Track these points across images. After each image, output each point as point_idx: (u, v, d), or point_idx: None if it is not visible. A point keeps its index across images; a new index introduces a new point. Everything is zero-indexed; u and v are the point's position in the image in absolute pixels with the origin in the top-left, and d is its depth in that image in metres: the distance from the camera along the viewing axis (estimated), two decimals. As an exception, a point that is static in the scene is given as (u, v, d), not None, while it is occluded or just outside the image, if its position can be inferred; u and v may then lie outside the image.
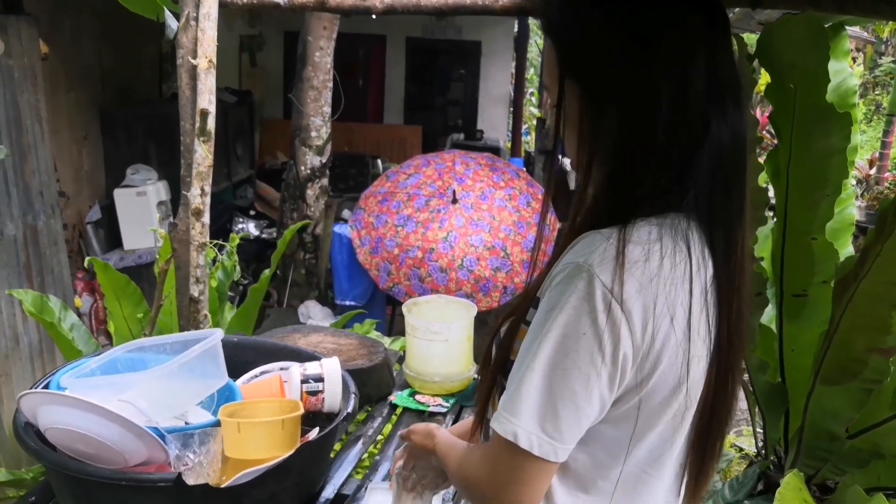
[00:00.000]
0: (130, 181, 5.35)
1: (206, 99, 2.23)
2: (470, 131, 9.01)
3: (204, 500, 1.43)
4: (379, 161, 7.91)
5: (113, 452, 1.48)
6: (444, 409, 2.11)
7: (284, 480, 1.53)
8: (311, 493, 1.67)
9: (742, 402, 4.49)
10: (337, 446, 1.92)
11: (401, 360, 2.43)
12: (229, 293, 3.72)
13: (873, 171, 8.19)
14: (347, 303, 4.93)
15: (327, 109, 5.05)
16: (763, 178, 2.10)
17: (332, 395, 1.76)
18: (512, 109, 10.37)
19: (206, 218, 2.33)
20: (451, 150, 5.71)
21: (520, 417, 0.93)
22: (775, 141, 2.23)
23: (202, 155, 2.26)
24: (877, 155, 8.40)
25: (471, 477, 1.04)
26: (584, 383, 0.92)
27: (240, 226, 5.95)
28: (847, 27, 2.79)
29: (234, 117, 6.91)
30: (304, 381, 1.76)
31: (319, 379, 1.77)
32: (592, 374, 0.91)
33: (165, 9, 2.44)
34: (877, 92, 15.28)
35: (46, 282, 4.05)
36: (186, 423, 1.64)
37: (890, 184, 7.77)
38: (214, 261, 2.98)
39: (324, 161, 5.10)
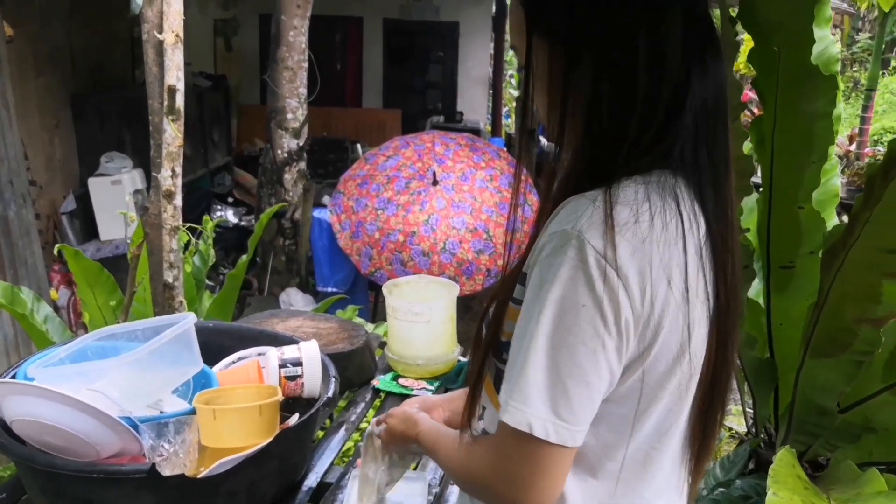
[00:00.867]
0: (105, 169, 5.26)
1: (175, 76, 2.16)
2: (450, 114, 8.95)
3: (180, 491, 1.37)
4: (358, 146, 7.83)
5: (84, 445, 1.42)
6: (428, 393, 2.06)
7: (264, 468, 1.48)
8: (293, 481, 1.62)
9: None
10: (319, 434, 1.87)
11: (383, 345, 2.38)
12: (208, 282, 3.65)
13: (853, 147, 8.22)
14: (329, 289, 4.87)
15: (303, 91, 4.96)
16: (747, 147, 2.06)
17: (312, 379, 1.71)
18: (491, 91, 10.31)
19: (178, 200, 2.26)
20: (431, 131, 5.64)
21: (530, 405, 0.87)
22: (759, 112, 2.19)
23: (171, 135, 2.19)
24: (856, 131, 8.44)
25: (479, 475, 0.97)
26: (591, 357, 0.86)
27: (218, 213, 5.87)
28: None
29: (209, 102, 6.81)
30: (282, 366, 1.71)
31: (298, 363, 1.71)
32: (598, 347, 0.86)
33: (130, -16, 2.35)
34: (854, 69, 15.36)
35: (20, 274, 3.96)
36: (161, 413, 1.58)
37: (870, 159, 7.79)
38: (187, 245, 2.90)
39: (301, 144, 5.02)
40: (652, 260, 0.87)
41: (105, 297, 2.66)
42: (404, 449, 1.26)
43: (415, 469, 1.65)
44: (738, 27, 2.05)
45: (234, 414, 1.47)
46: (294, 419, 1.53)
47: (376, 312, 5.08)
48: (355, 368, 2.08)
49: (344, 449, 1.82)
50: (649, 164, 0.91)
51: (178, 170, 2.27)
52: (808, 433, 2.19)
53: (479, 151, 4.87)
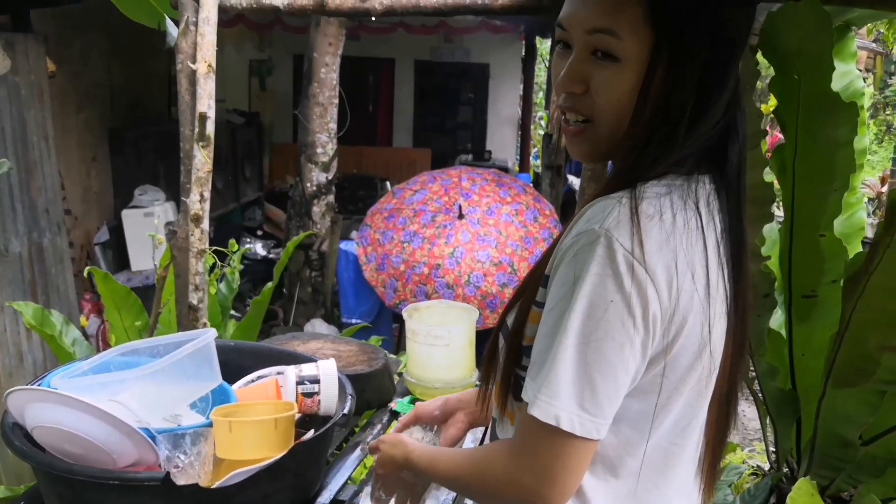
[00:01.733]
0: (138, 202, 5.37)
1: (206, 104, 2.23)
2: (479, 152, 9.02)
3: (194, 501, 1.38)
4: (388, 183, 7.93)
5: (101, 453, 1.44)
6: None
7: (278, 482, 1.49)
8: (307, 497, 1.62)
9: (754, 420, 4.42)
10: (337, 451, 1.88)
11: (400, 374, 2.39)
12: (234, 313, 3.69)
13: (885, 189, 8.13)
14: (354, 321, 4.89)
15: (333, 126, 5.06)
16: (768, 174, 2.07)
17: (329, 396, 1.72)
18: (520, 132, 10.39)
19: (206, 224, 2.31)
20: (458, 166, 5.69)
21: (559, 398, 0.89)
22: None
23: (201, 160, 2.25)
24: (888, 172, 8.36)
25: (499, 473, 0.97)
26: (618, 352, 0.89)
27: (247, 245, 5.94)
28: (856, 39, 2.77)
29: (242, 139, 6.95)
30: (299, 383, 1.72)
31: (315, 380, 1.73)
32: (626, 342, 0.89)
33: (166, 17, 2.44)
34: (888, 112, 15.24)
35: (51, 300, 4.05)
36: (179, 426, 1.60)
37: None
38: (213, 268, 2.95)
39: (329, 178, 5.10)
40: (677, 255, 0.90)
41: (132, 320, 2.71)
42: (395, 479, 1.22)
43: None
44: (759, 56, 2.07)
45: (250, 426, 1.49)
46: (310, 434, 1.55)
47: (399, 344, 5.09)
48: (374, 390, 2.09)
49: (359, 468, 1.83)
50: (674, 169, 0.96)
51: (207, 195, 2.32)
52: (830, 467, 2.15)
53: (505, 186, 4.91)
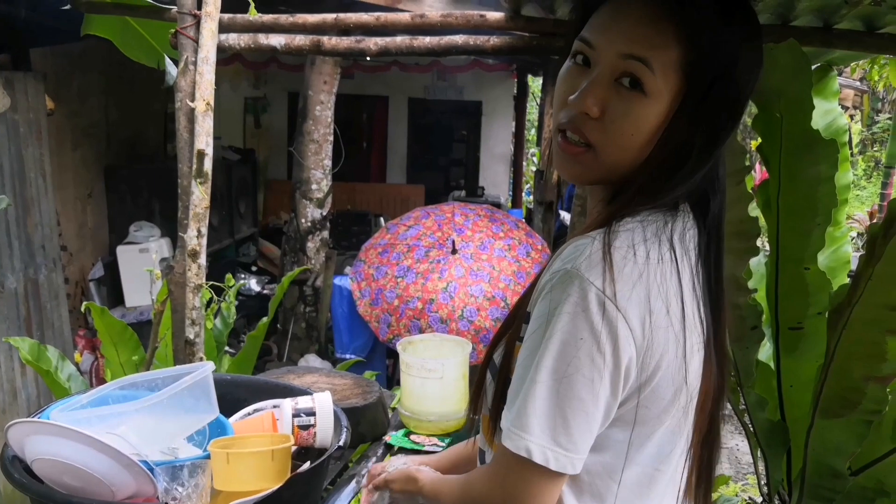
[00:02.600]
0: (133, 238, 5.40)
1: (204, 141, 2.28)
2: (472, 189, 9.10)
3: (191, 532, 1.40)
4: (382, 219, 7.97)
5: (100, 485, 1.46)
6: (440, 450, 2.08)
7: (274, 513, 1.50)
8: (302, 528, 1.64)
9: (748, 454, 4.43)
10: (330, 486, 1.89)
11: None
12: (229, 349, 3.71)
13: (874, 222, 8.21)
14: (348, 356, 4.90)
15: (328, 163, 5.12)
16: (753, 209, 2.12)
17: (324, 429, 1.74)
18: (513, 168, 10.49)
19: (203, 259, 2.34)
20: (451, 202, 5.75)
21: (530, 432, 0.92)
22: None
23: (199, 196, 2.29)
24: (876, 207, 8.46)
25: (478, 498, 1.02)
26: (589, 388, 0.91)
27: (241, 281, 5.97)
28: (840, 78, 2.85)
29: (237, 175, 7.00)
30: (295, 416, 1.75)
31: (311, 413, 1.75)
32: (596, 377, 0.91)
33: (166, 56, 2.50)
34: (875, 148, 15.44)
35: (46, 335, 4.06)
36: (176, 458, 1.62)
37: (891, 235, 7.76)
38: (209, 303, 2.98)
39: (324, 214, 5.15)
40: (650, 290, 0.93)
41: (128, 355, 2.73)
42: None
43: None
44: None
45: (247, 458, 1.51)
46: (306, 466, 1.57)
47: (393, 379, 5.09)
48: (368, 423, 2.11)
49: (353, 501, 1.84)
50: (642, 205, 0.98)
51: (204, 230, 2.36)
52: (821, 497, 2.17)
53: (497, 222, 4.96)
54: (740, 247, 2.07)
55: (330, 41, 2.46)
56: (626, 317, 0.90)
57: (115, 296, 5.39)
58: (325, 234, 5.23)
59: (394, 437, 2.13)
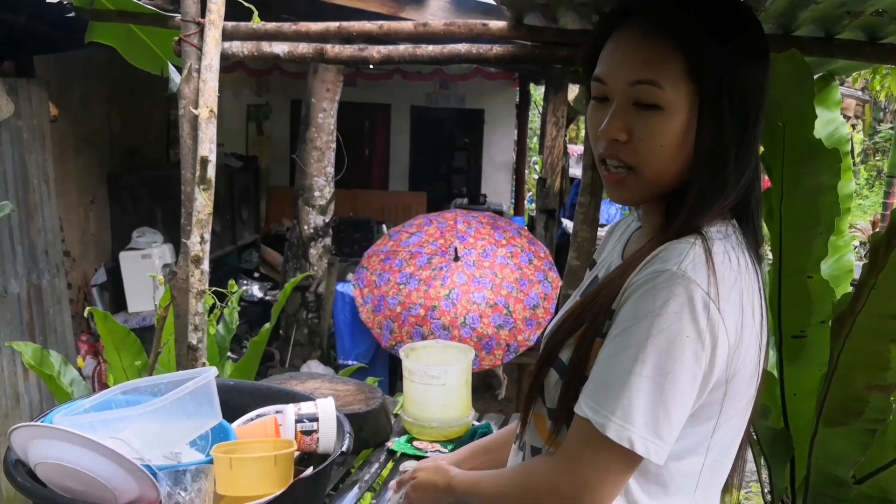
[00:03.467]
0: (136, 244, 5.40)
1: (207, 148, 2.28)
2: (474, 196, 9.11)
3: (193, 537, 1.40)
4: (384, 226, 7.98)
5: (103, 489, 1.46)
6: (442, 456, 2.08)
7: (276, 519, 1.50)
8: (305, 534, 1.63)
9: (750, 462, 4.41)
10: (333, 492, 1.89)
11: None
12: (231, 355, 3.71)
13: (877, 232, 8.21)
14: (350, 362, 4.90)
15: (330, 170, 5.13)
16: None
17: (327, 434, 1.74)
18: (515, 176, 10.50)
19: (206, 265, 2.35)
20: (454, 209, 5.76)
21: (634, 423, 0.96)
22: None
23: (202, 203, 2.30)
24: (879, 216, 8.46)
25: (544, 483, 1.04)
26: (691, 384, 0.97)
27: (244, 287, 5.97)
28: (841, 88, 2.85)
29: (239, 182, 7.02)
30: (298, 421, 1.75)
31: (314, 418, 1.75)
32: (697, 373, 0.97)
33: (169, 64, 2.51)
34: (877, 158, 15.45)
35: (49, 340, 4.06)
36: (179, 463, 1.62)
37: (893, 244, 7.76)
38: (212, 309, 2.98)
39: (327, 220, 5.16)
40: (742, 294, 0.99)
41: (131, 360, 2.73)
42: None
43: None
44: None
45: (250, 463, 1.51)
46: (308, 471, 1.57)
47: (395, 385, 5.09)
48: (371, 429, 2.11)
49: (356, 507, 1.84)
50: (722, 215, 1.05)
51: (207, 236, 2.36)
52: (825, 506, 2.17)
53: (500, 229, 4.97)
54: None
55: (333, 49, 2.47)
56: (724, 318, 0.96)
57: (117, 301, 5.40)
58: (328, 240, 5.23)
59: (396, 444, 2.13)
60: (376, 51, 2.40)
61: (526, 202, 10.76)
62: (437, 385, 2.12)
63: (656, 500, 1.05)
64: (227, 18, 2.40)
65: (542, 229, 5.37)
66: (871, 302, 1.80)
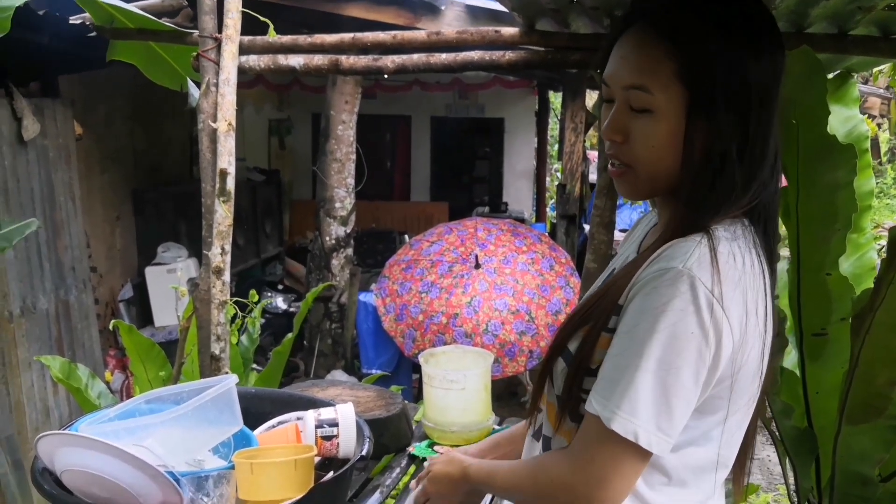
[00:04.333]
0: (161, 259, 5.48)
1: (226, 160, 2.32)
2: (496, 205, 9.12)
3: (216, 541, 1.42)
4: (406, 237, 8.01)
5: (128, 495, 1.49)
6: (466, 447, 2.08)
7: (297, 523, 1.52)
8: (326, 538, 1.65)
9: (778, 465, 4.37)
10: (355, 498, 1.91)
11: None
12: (255, 367, 3.74)
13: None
14: (374, 371, 4.92)
15: (351, 181, 5.17)
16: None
17: (347, 439, 1.76)
18: (536, 184, 10.50)
19: (227, 276, 2.38)
20: (474, 217, 5.78)
21: (639, 416, 0.98)
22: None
23: (222, 214, 2.33)
24: (906, 214, 8.34)
25: (556, 478, 1.06)
26: (693, 379, 0.99)
27: (268, 298, 6.03)
28: (861, 87, 2.83)
29: (262, 196, 7.09)
30: (318, 426, 1.77)
31: (334, 423, 1.77)
32: (701, 369, 0.99)
33: (188, 79, 2.55)
34: (905, 156, 15.20)
35: (77, 356, 4.12)
36: (202, 469, 1.65)
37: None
38: (234, 319, 3.02)
39: (348, 231, 5.20)
40: (747, 294, 1.01)
41: (156, 371, 2.77)
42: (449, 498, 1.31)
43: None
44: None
45: (271, 468, 1.53)
46: (329, 476, 1.58)
47: (419, 394, 5.10)
48: (391, 435, 2.12)
49: (378, 511, 1.85)
50: (731, 213, 1.05)
51: (228, 248, 2.40)
52: (851, 505, 2.14)
53: (520, 236, 4.97)
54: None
55: (348, 60, 2.51)
56: (728, 317, 0.98)
57: (144, 316, 5.47)
58: (350, 251, 5.27)
59: (418, 448, 2.14)
60: (391, 61, 2.43)
61: (548, 209, 10.74)
62: (457, 389, 2.13)
63: (658, 491, 1.08)
64: (243, 33, 2.44)
65: (562, 235, 5.36)
66: (890, 297, 1.78)
